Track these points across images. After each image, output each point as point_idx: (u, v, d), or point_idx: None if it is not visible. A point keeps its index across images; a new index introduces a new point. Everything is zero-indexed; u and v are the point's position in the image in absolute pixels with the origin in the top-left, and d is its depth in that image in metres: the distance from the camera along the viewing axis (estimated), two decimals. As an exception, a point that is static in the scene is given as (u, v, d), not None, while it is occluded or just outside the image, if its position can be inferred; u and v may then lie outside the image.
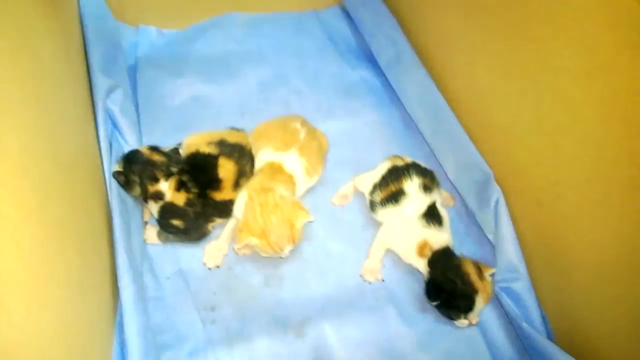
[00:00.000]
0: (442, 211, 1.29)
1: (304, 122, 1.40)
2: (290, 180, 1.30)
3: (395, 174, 1.29)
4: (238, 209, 1.25)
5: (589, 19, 0.97)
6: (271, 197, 1.19)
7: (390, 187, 1.29)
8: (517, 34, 1.18)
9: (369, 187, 1.34)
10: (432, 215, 1.25)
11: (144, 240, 1.27)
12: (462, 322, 1.18)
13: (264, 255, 1.24)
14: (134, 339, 0.97)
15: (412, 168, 1.30)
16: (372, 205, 1.33)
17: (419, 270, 1.26)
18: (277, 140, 1.32)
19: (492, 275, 1.25)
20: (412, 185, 1.27)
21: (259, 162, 1.32)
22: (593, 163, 1.03)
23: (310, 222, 1.23)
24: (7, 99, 0.78)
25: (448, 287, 1.16)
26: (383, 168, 1.34)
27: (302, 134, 1.35)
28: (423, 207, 1.25)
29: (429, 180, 1.30)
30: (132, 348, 0.96)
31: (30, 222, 0.76)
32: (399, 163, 1.32)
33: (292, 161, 1.30)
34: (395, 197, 1.27)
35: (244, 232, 1.16)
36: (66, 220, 0.92)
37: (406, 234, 1.25)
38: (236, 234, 1.20)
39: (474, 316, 1.17)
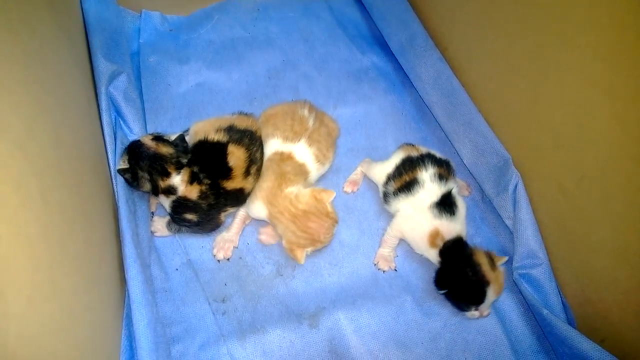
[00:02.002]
0: (459, 200, 1.24)
1: (312, 108, 1.34)
2: (302, 170, 1.25)
3: (410, 164, 1.25)
4: (254, 213, 1.22)
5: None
6: (294, 206, 1.16)
7: (404, 177, 1.24)
8: (537, 11, 1.12)
9: (383, 178, 1.29)
10: (445, 204, 1.20)
11: (152, 233, 1.23)
12: (473, 313, 1.14)
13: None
14: (144, 332, 0.93)
15: (427, 158, 1.25)
16: (386, 197, 1.28)
17: (430, 261, 1.23)
18: (285, 129, 1.27)
19: (509, 262, 1.22)
20: (426, 174, 1.22)
21: (267, 151, 1.27)
22: (620, 143, 0.98)
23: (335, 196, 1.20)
24: (6, 75, 0.73)
25: (458, 277, 1.12)
26: (397, 158, 1.28)
27: (311, 121, 1.30)
28: (436, 197, 1.20)
29: (445, 170, 1.25)
30: (142, 341, 0.92)
31: (32, 207, 0.72)
32: (413, 153, 1.27)
33: (302, 151, 1.26)
34: (408, 186, 1.22)
35: (297, 251, 1.14)
36: (70, 207, 0.88)
37: (418, 224, 1.20)
38: (289, 253, 1.17)
39: (485, 308, 1.13)
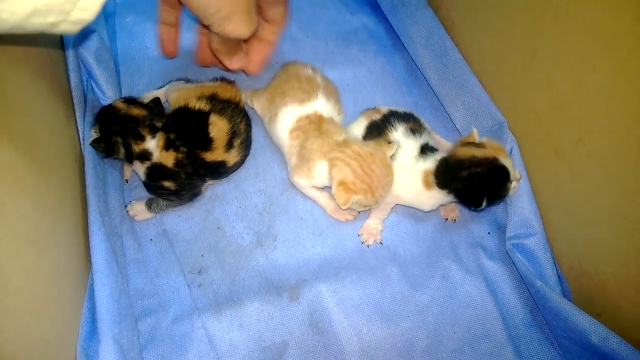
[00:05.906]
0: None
1: (313, 68, 1.26)
2: (335, 123, 1.18)
3: (377, 129, 1.18)
4: (321, 178, 1.13)
5: None
6: (358, 146, 1.09)
7: None
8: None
9: None
10: (426, 150, 1.15)
11: (132, 218, 1.15)
12: (514, 186, 1.10)
13: (360, 209, 1.15)
14: (106, 303, 0.86)
15: (392, 117, 1.18)
16: None
17: (437, 209, 1.21)
18: (295, 93, 1.18)
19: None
20: (397, 134, 1.16)
21: (286, 123, 1.17)
22: (624, 99, 0.91)
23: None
24: None
25: (477, 180, 1.06)
26: (361, 127, 1.21)
27: (319, 78, 1.22)
28: (416, 150, 1.15)
29: (413, 123, 1.18)
30: (103, 313, 0.85)
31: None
32: (376, 117, 1.20)
33: (324, 106, 1.17)
34: None
35: (348, 193, 1.05)
36: (19, 168, 0.81)
37: (411, 182, 1.13)
38: (335, 193, 1.07)
39: (514, 175, 1.09)
